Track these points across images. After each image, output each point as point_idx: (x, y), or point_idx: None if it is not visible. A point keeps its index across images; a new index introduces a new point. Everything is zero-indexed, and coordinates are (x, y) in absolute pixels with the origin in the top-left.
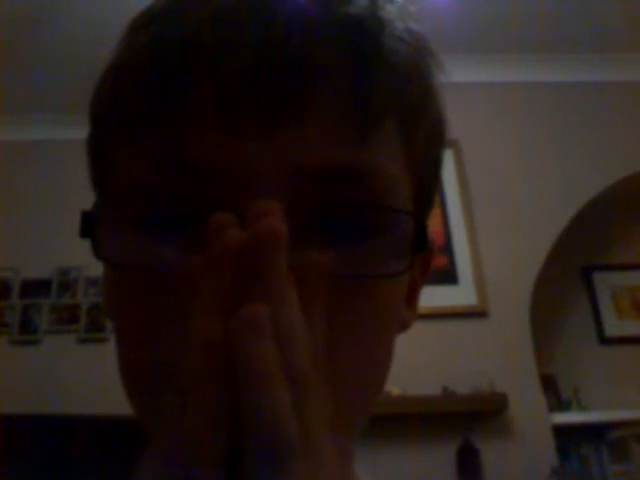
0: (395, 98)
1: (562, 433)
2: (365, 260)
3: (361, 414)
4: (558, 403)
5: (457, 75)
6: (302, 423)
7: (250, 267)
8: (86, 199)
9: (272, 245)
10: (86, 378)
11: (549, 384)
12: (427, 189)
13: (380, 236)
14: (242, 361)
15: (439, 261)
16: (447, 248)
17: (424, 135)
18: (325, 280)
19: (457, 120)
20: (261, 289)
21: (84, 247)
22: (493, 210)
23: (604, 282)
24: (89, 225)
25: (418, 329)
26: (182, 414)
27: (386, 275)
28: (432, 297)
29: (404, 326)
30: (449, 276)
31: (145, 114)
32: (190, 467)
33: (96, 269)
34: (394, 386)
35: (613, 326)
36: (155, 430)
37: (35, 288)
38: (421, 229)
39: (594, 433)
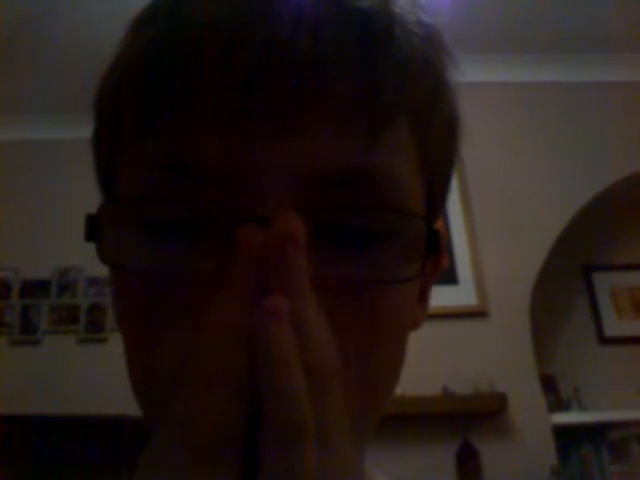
0: (406, 96)
1: (562, 433)
2: (377, 264)
3: (375, 413)
4: (558, 403)
5: (457, 75)
6: (317, 411)
7: (271, 264)
8: (86, 199)
9: (292, 242)
10: (86, 378)
11: (549, 384)
12: (439, 188)
13: (391, 239)
14: (261, 345)
15: (444, 261)
16: (447, 248)
17: (437, 133)
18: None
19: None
20: (281, 284)
21: (84, 247)
22: (493, 210)
23: (604, 282)
24: (93, 228)
25: (418, 329)
26: (201, 400)
27: (399, 280)
28: (432, 297)
29: (416, 325)
30: (449, 276)
31: (147, 115)
32: (206, 449)
33: (96, 269)
34: None
35: (613, 326)
36: (167, 422)
37: (35, 288)
38: (433, 232)
39: (594, 433)
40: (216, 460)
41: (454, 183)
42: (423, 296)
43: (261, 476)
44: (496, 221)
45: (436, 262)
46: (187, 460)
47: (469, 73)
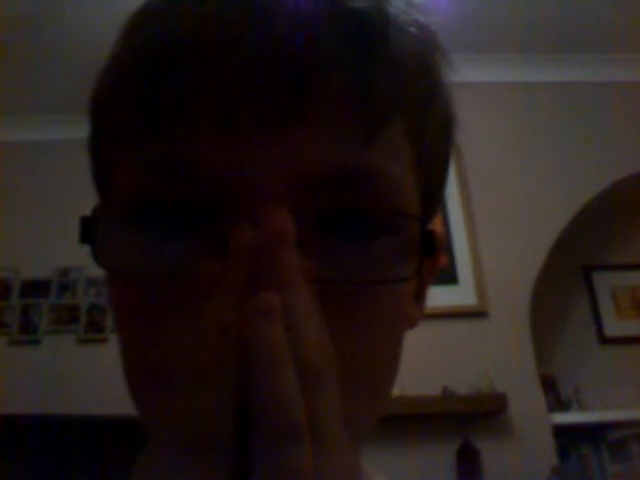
0: (401, 96)
1: (562, 433)
2: (372, 264)
3: (371, 413)
4: (558, 403)
5: (457, 75)
6: (310, 409)
7: (262, 262)
8: (86, 199)
9: (280, 239)
10: (86, 378)
11: (549, 384)
12: (434, 188)
13: (386, 239)
14: (252, 344)
15: (440, 261)
16: (447, 248)
17: (431, 134)
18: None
19: (458, 120)
20: (272, 280)
21: (84, 247)
22: (493, 210)
23: (604, 282)
24: (89, 230)
25: (418, 329)
26: (191, 398)
27: (395, 280)
28: (432, 297)
29: (412, 324)
30: (449, 276)
31: (143, 115)
32: (197, 448)
33: (96, 269)
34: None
35: (613, 326)
36: (159, 422)
37: (35, 288)
38: (428, 235)
39: (594, 433)
40: (207, 459)
41: (455, 183)
42: (420, 295)
43: (254, 476)
44: (496, 221)
45: (433, 262)
46: (179, 459)
47: (469, 73)
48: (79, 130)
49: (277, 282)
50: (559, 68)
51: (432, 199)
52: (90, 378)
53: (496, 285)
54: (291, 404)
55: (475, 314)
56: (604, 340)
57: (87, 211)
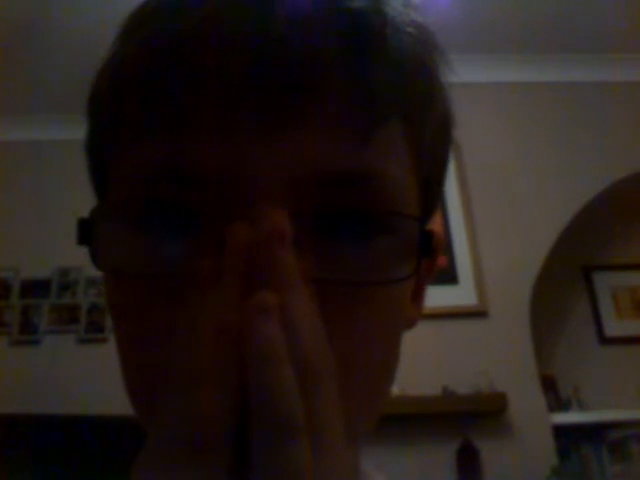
0: (399, 97)
1: (562, 433)
2: (370, 264)
3: (370, 413)
4: (558, 403)
5: (456, 75)
6: (309, 408)
7: (259, 261)
8: (86, 199)
9: (277, 239)
10: (86, 378)
11: (549, 384)
12: (433, 189)
13: (385, 239)
14: (250, 343)
15: (439, 261)
16: (447, 248)
17: (430, 134)
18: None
19: (457, 120)
20: (269, 279)
21: (84, 248)
22: (493, 210)
23: (604, 282)
24: (86, 232)
25: (418, 329)
26: (191, 398)
27: (392, 281)
28: (432, 297)
29: (410, 324)
30: (449, 276)
31: (141, 116)
32: (197, 447)
33: (96, 270)
34: (394, 386)
35: (613, 326)
36: (158, 422)
37: (35, 288)
38: (427, 236)
39: (594, 433)
40: (207, 458)
41: (454, 183)
42: (418, 295)
43: (253, 474)
44: (496, 221)
45: (432, 262)
46: (179, 459)
47: (469, 73)
48: (79, 130)
49: (274, 282)
50: (559, 68)
51: (431, 197)
52: (90, 378)
53: (496, 285)
54: (288, 400)
55: (475, 314)
56: (604, 340)
57: (87, 211)
